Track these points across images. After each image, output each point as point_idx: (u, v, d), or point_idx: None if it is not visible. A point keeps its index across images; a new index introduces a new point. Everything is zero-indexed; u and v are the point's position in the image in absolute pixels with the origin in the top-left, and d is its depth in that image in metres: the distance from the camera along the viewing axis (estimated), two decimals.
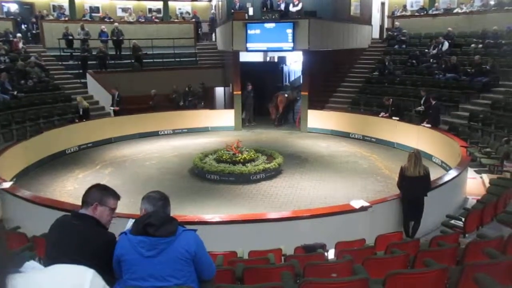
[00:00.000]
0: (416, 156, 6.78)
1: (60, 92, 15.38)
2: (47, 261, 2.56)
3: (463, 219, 6.38)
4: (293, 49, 14.46)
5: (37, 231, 5.37)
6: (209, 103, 17.98)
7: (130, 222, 2.99)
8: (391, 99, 13.86)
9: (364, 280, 2.55)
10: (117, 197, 2.74)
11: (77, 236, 2.54)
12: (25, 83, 14.50)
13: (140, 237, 2.53)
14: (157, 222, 2.55)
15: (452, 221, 6.68)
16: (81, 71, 16.86)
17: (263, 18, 14.60)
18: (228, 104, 17.91)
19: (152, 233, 2.52)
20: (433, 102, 12.22)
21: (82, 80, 16.63)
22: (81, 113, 13.77)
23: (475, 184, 9.36)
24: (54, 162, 11.74)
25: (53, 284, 0.92)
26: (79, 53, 17.29)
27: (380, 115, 13.83)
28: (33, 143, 11.31)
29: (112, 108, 14.80)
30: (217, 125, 15.86)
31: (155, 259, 2.53)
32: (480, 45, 16.21)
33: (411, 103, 14.45)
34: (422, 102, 13.18)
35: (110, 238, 2.63)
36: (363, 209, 6.41)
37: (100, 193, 2.65)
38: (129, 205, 7.39)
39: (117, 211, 2.74)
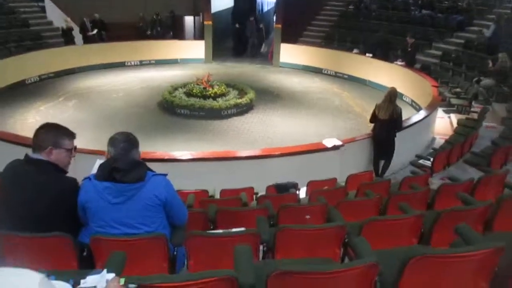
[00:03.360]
0: (392, 95, 6.71)
1: (16, 16, 14.24)
2: (6, 214, 2.35)
3: (431, 159, 6.48)
4: None
5: None
6: (179, 33, 17.14)
7: (97, 162, 2.79)
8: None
9: (342, 227, 2.51)
10: (72, 135, 2.48)
11: (35, 185, 2.32)
12: None
13: (106, 183, 2.36)
14: (124, 167, 2.36)
15: (421, 161, 6.79)
16: None
17: None
18: (199, 34, 17.15)
19: (119, 179, 2.35)
20: (412, 41, 11.98)
21: (40, 4, 15.39)
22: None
23: (443, 123, 9.51)
24: (13, 92, 11.09)
25: None
26: None
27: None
28: None
29: (91, 33, 14.09)
30: (187, 57, 15.26)
31: (123, 206, 2.38)
32: None
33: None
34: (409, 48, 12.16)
35: (71, 183, 2.43)
36: (335, 148, 6.39)
37: (52, 135, 2.39)
38: (94, 140, 7.10)
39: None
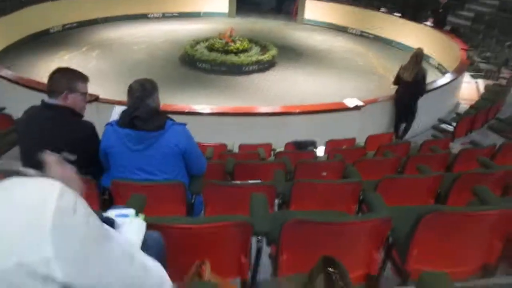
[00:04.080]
0: (418, 56, 6.52)
1: None
2: (23, 159, 2.43)
3: (454, 124, 6.37)
4: None
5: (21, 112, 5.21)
6: None
7: (115, 109, 2.83)
8: None
9: (358, 184, 2.52)
10: (86, 79, 2.49)
11: (53, 130, 2.37)
12: None
13: (127, 130, 2.39)
14: (144, 115, 2.38)
15: (443, 125, 6.68)
16: None
17: None
18: None
19: (140, 126, 2.38)
20: (445, 1, 11.41)
21: None
22: None
23: (469, 89, 9.23)
24: (37, 41, 11.15)
25: (6, 218, 0.67)
26: None
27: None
28: (14, 18, 10.60)
29: None
30: (210, 11, 14.97)
31: (142, 153, 2.42)
32: None
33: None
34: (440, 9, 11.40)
35: (88, 127, 2.47)
36: (356, 108, 6.31)
37: (67, 79, 2.40)
38: (116, 90, 7.15)
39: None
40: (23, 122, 2.47)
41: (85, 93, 2.47)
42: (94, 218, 0.75)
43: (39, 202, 0.68)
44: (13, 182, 0.72)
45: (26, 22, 11.03)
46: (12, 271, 0.64)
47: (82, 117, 2.49)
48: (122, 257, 0.80)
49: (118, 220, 1.30)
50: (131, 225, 1.30)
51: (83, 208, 0.73)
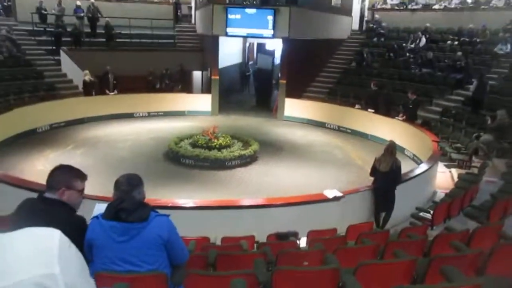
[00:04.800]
0: (390, 149, 6.90)
1: (32, 68, 14.90)
2: None
3: (431, 212, 6.55)
4: (273, 36, 14.42)
5: (5, 210, 5.21)
6: (187, 86, 17.73)
7: (98, 206, 2.93)
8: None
9: (335, 270, 2.59)
10: (84, 177, 2.62)
11: (47, 222, 2.45)
12: None
13: (112, 222, 2.49)
14: (129, 207, 2.50)
15: (421, 213, 6.85)
16: (54, 47, 16.30)
17: (244, 3, 14.46)
18: (206, 88, 17.74)
19: (124, 218, 2.48)
20: (413, 97, 12.27)
21: (56, 57, 16.09)
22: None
23: (444, 178, 9.61)
24: (24, 140, 11.42)
25: (22, 247, 0.98)
26: (52, 29, 16.71)
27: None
28: (2, 119, 10.95)
29: (112, 93, 14.71)
30: (194, 109, 15.70)
31: (127, 244, 2.49)
32: (456, 42, 16.52)
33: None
34: (410, 105, 12.24)
35: (81, 221, 2.57)
36: (336, 199, 6.49)
37: (66, 177, 2.53)
38: (100, 187, 7.24)
39: (87, 192, 2.67)
40: (18, 214, 2.55)
41: (81, 191, 2.60)
42: (80, 254, 1.14)
43: (48, 237, 1.03)
44: (30, 228, 1.08)
45: (14, 122, 11.37)
46: (26, 283, 0.90)
47: (75, 212, 2.59)
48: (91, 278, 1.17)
49: None
50: None
51: (74, 246, 1.12)
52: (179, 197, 7.81)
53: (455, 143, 11.17)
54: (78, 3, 17.66)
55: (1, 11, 17.92)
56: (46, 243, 1.01)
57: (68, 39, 16.50)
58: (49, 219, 2.45)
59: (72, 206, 2.57)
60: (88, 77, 13.96)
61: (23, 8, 16.93)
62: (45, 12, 16.90)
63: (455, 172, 9.61)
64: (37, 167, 9.55)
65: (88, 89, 14.10)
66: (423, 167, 8.36)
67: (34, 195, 2.71)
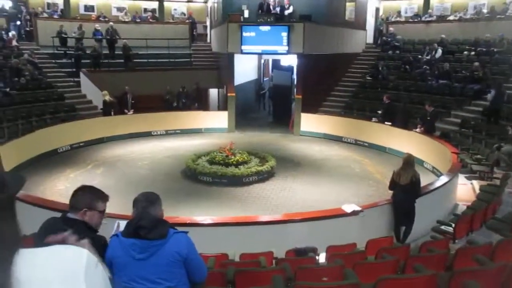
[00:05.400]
0: (409, 161, 6.84)
1: (53, 90, 15.31)
2: None
3: (453, 225, 6.43)
4: (288, 52, 14.49)
5: (27, 230, 5.32)
6: (203, 104, 17.96)
7: (117, 225, 2.98)
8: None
9: (355, 285, 2.57)
10: (106, 199, 2.70)
11: None
12: (17, 80, 14.37)
13: (132, 239, 2.53)
14: (148, 224, 2.54)
15: (442, 227, 6.73)
16: (74, 69, 16.76)
17: (259, 20, 14.62)
18: (222, 105, 17.91)
19: (144, 235, 2.52)
20: (431, 109, 12.17)
21: (75, 79, 16.53)
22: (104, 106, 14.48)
23: (466, 190, 9.43)
24: (45, 161, 11.66)
25: (51, 265, 1.03)
26: (73, 52, 17.20)
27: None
28: (25, 141, 11.25)
29: (129, 113, 15.09)
30: (211, 127, 15.84)
31: (146, 262, 2.52)
32: (473, 53, 16.36)
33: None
34: (428, 117, 12.16)
35: (101, 242, 2.63)
36: (354, 213, 6.44)
37: (88, 198, 2.61)
38: (120, 205, 7.34)
39: (108, 211, 2.73)
40: (41, 233, 2.62)
41: (103, 211, 2.67)
42: (105, 274, 1.19)
43: (77, 256, 1.08)
44: (61, 246, 1.17)
45: (36, 143, 11.64)
46: None
47: (97, 232, 2.65)
48: None
49: None
50: None
51: (101, 266, 1.15)
52: (197, 214, 7.85)
53: (475, 154, 10.98)
54: (97, 26, 18.15)
55: (24, 36, 18.51)
56: (74, 262, 1.06)
57: (88, 61, 16.94)
58: None
59: (93, 226, 2.63)
60: (107, 97, 14.24)
61: (44, 32, 17.52)
62: (65, 36, 17.41)
63: (476, 184, 9.42)
64: (58, 187, 9.73)
65: (107, 109, 14.38)
66: (443, 179, 8.24)
67: (54, 214, 2.79)
